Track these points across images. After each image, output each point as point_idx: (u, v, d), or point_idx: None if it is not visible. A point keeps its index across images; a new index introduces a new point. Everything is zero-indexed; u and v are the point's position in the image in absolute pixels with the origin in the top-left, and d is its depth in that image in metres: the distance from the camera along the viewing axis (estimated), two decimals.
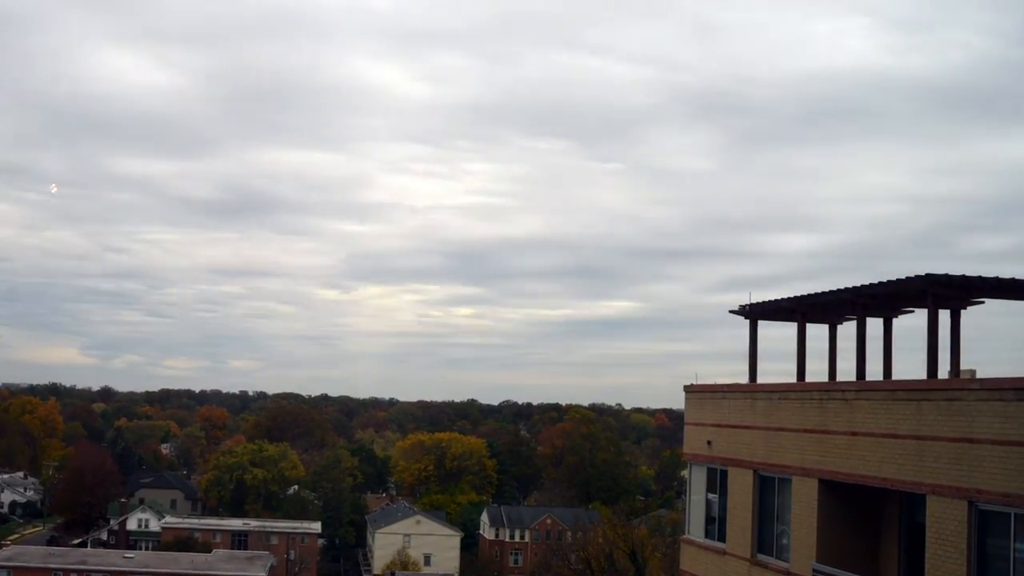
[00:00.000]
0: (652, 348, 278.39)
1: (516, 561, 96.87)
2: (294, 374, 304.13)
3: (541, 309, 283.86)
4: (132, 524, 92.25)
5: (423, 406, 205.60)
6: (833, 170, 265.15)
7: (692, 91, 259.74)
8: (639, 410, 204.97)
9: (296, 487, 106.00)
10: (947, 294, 14.60)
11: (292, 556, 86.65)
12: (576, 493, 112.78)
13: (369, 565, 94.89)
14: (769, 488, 16.98)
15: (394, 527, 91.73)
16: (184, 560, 67.05)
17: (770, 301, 18.09)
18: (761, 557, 17.11)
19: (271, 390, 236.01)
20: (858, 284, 15.48)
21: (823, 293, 16.52)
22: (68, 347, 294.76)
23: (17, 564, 62.89)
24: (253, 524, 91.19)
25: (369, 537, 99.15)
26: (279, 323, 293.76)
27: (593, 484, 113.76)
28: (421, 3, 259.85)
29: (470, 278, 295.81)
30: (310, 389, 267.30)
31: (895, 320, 17.22)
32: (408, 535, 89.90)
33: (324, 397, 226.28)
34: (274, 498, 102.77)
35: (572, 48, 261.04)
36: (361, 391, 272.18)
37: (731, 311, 18.59)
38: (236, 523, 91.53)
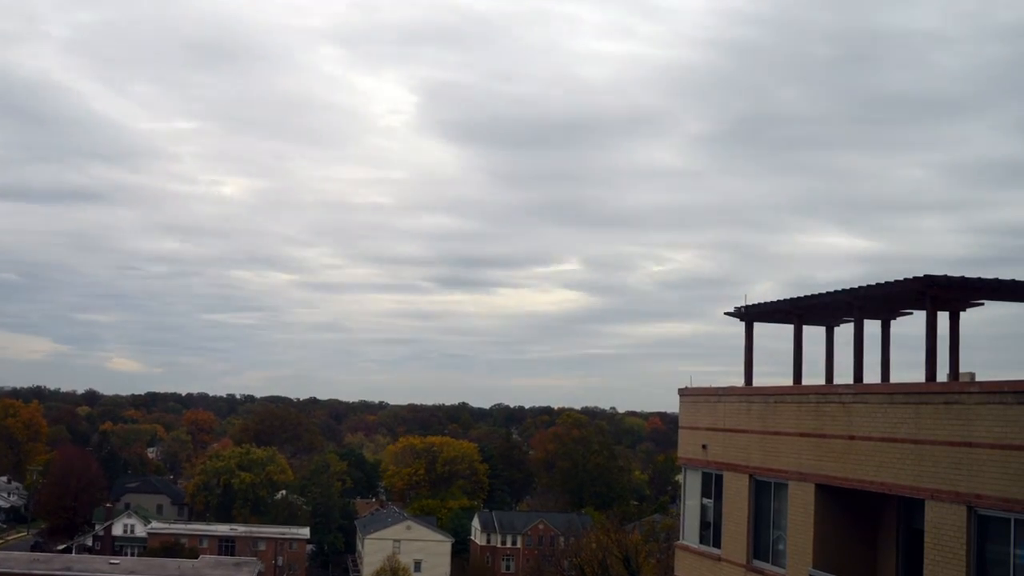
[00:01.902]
0: (646, 350, 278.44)
1: (508, 567, 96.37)
2: (282, 376, 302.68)
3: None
4: (118, 529, 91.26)
5: (413, 409, 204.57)
6: None
7: None
8: (633, 413, 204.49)
9: (284, 492, 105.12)
10: (945, 296, 14.48)
11: (280, 562, 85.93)
12: (569, 498, 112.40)
13: (358, 571, 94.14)
14: (765, 493, 16.79)
15: (384, 533, 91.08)
16: (171, 566, 66.15)
17: (766, 303, 17.93)
18: (757, 563, 16.91)
19: (258, 393, 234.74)
20: (855, 286, 15.34)
21: (820, 295, 16.38)
22: (51, 347, 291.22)
23: (0, 570, 61.77)
24: (240, 529, 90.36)
25: (358, 543, 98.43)
26: (266, 324, 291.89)
27: (586, 489, 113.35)
28: None
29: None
30: (298, 392, 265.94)
31: (893, 322, 17.10)
32: (398, 541, 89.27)
33: (312, 400, 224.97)
34: (262, 503, 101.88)
35: None
36: (350, 394, 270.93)
37: (726, 313, 18.42)
38: (223, 528, 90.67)
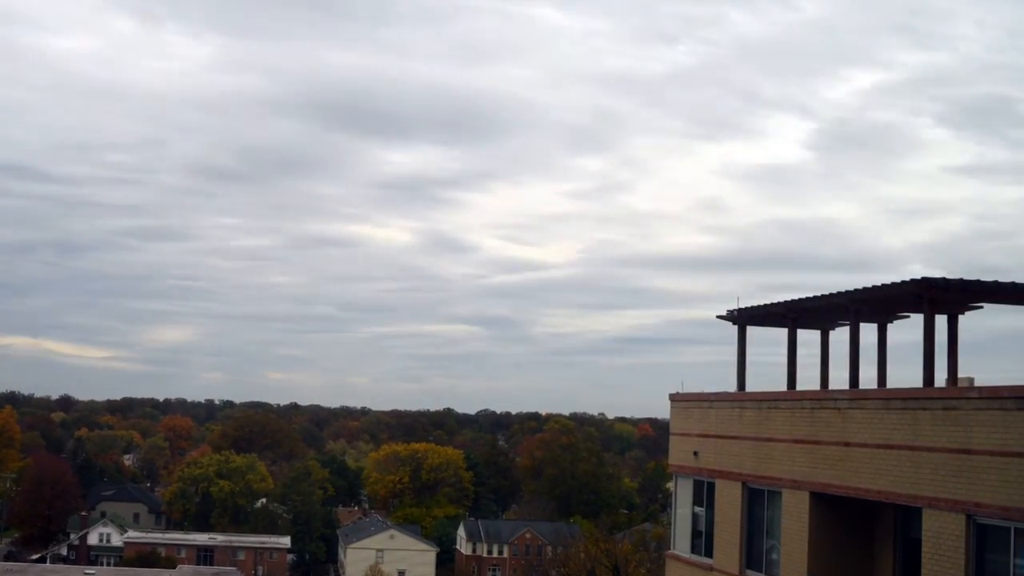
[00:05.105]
0: (637, 354, 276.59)
1: None
2: (262, 382, 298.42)
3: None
4: (93, 539, 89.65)
5: (397, 415, 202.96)
6: None
7: None
8: (622, 419, 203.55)
9: (264, 500, 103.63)
10: (944, 298, 14.30)
11: (260, 572, 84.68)
12: (556, 506, 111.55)
13: None
14: (758, 501, 16.51)
15: (367, 542, 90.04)
16: None
17: (760, 306, 17.68)
18: (750, 573, 16.63)
19: (238, 399, 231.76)
20: (851, 288, 15.11)
21: (815, 297, 16.15)
22: (27, 349, 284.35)
23: None
24: (219, 539, 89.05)
25: (340, 552, 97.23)
26: (252, 325, 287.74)
27: (574, 497, 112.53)
28: None
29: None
30: (279, 398, 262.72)
31: (890, 326, 16.91)
32: (381, 550, 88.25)
33: (293, 406, 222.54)
34: (241, 511, 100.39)
35: None
36: (332, 400, 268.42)
37: (719, 316, 18.16)
38: (202, 537, 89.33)
